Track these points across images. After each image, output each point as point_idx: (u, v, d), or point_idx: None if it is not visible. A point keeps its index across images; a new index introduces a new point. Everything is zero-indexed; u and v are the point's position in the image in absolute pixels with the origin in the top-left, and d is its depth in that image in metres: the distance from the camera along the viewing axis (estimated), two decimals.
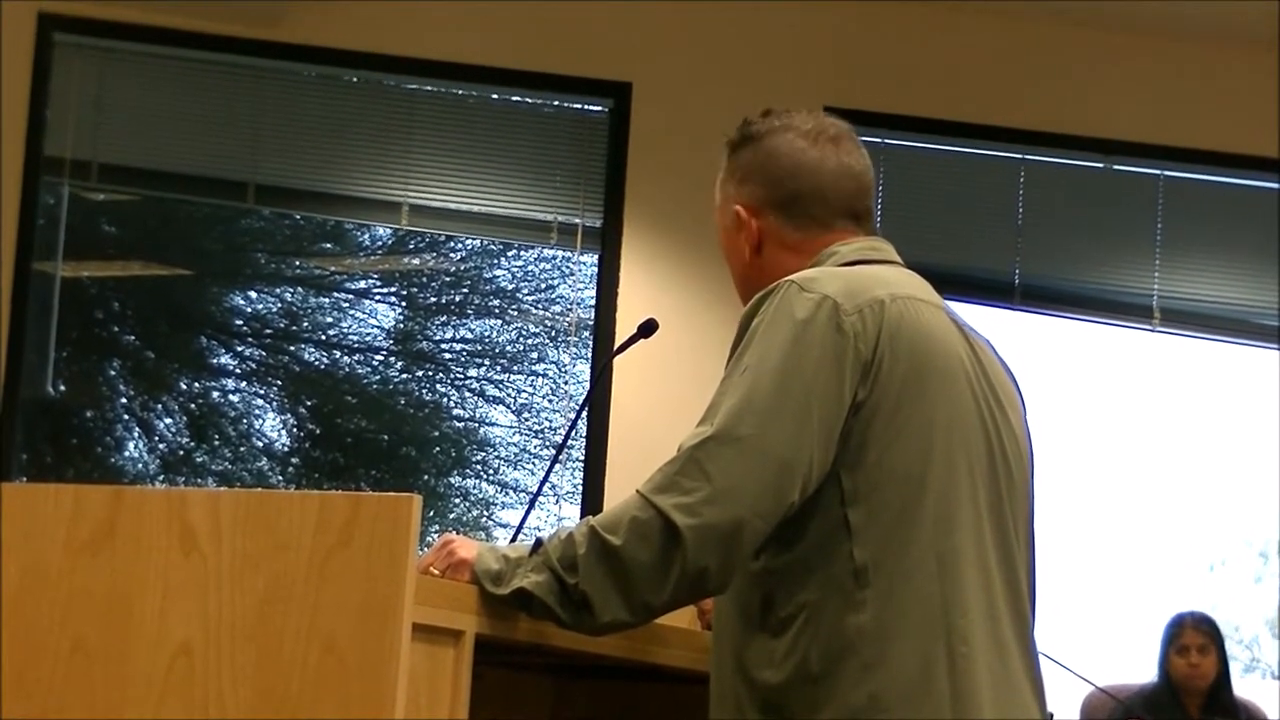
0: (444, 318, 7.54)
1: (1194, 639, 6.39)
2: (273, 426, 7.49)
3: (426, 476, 7.47)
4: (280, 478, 7.44)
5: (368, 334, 7.52)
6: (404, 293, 7.57)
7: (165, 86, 6.71)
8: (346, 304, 7.51)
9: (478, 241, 7.33)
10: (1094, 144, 6.98)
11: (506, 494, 7.54)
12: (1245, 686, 6.80)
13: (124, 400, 7.41)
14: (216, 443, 7.44)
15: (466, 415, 7.54)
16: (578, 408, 7.16)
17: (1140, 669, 6.77)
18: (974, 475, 2.47)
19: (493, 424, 7.50)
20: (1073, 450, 7.70)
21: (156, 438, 7.40)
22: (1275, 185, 7.00)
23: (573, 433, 6.61)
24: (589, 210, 6.80)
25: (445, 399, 7.54)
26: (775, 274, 2.57)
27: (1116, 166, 7.05)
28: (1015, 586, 2.52)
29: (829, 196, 2.67)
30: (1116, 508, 8.29)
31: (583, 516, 2.38)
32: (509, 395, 7.42)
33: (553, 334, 7.31)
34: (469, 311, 7.49)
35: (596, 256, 6.79)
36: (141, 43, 6.62)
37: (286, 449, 7.50)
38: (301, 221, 7.45)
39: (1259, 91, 6.89)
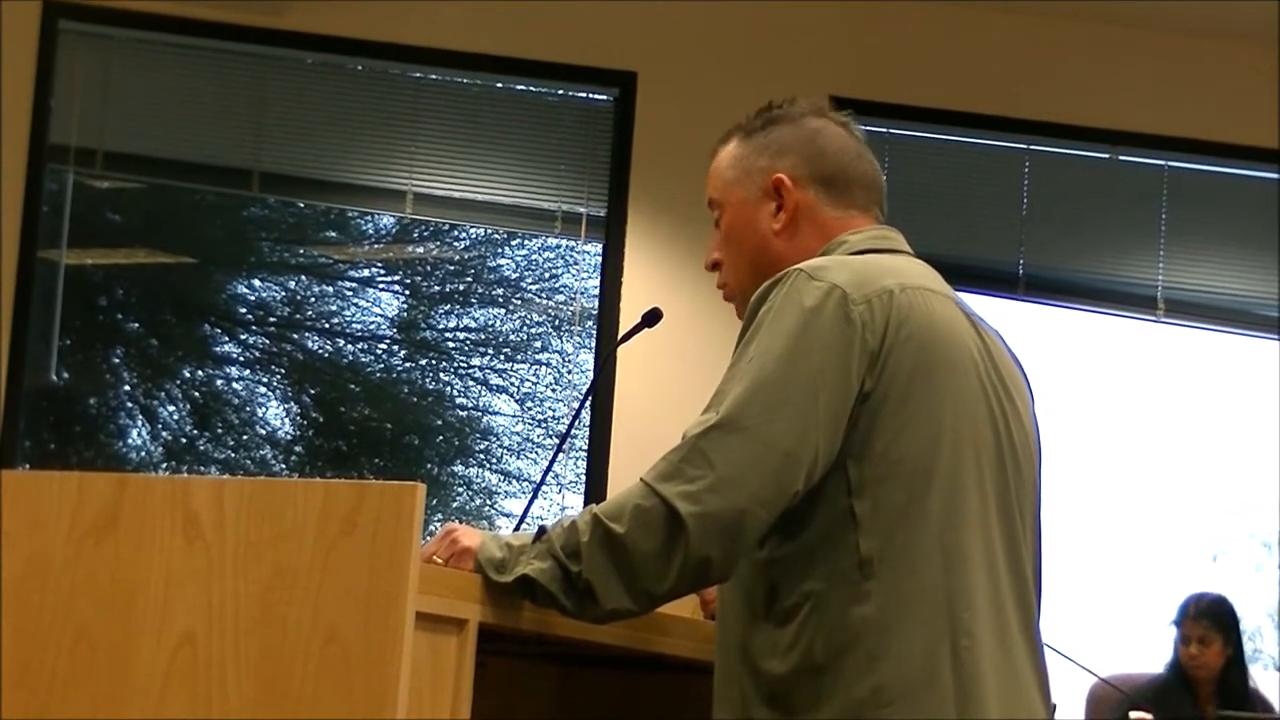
0: (448, 306, 7.53)
1: (1194, 630, 6.37)
2: (276, 414, 7.50)
3: (430, 465, 7.47)
4: (283, 466, 7.44)
5: (371, 322, 7.52)
6: (408, 281, 7.57)
7: (170, 74, 6.72)
8: (350, 292, 7.51)
9: (482, 230, 7.33)
10: (1099, 135, 6.98)
11: (510, 483, 7.54)
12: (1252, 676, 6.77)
13: (127, 388, 7.42)
14: (220, 430, 7.44)
15: (470, 404, 7.55)
16: (581, 397, 7.15)
17: (1143, 659, 6.76)
18: (981, 467, 2.47)
19: (496, 413, 7.50)
20: (1076, 440, 7.70)
21: (160, 425, 7.40)
22: (1277, 176, 7.00)
23: (576, 422, 6.61)
24: (593, 199, 6.80)
25: (449, 388, 7.54)
26: (795, 257, 2.57)
27: (1121, 157, 7.04)
28: (1021, 578, 2.51)
29: (868, 184, 2.69)
30: (1119, 498, 8.29)
31: (586, 505, 2.38)
32: (512, 384, 7.42)
33: (556, 323, 7.31)
34: (473, 300, 7.49)
35: (600, 246, 6.79)
36: (146, 30, 6.63)
37: (290, 437, 7.51)
38: (305, 210, 7.44)
39: (1261, 84, 6.89)
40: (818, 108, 2.73)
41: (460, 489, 7.59)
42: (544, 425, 7.38)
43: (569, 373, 7.22)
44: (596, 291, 6.81)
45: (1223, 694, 6.32)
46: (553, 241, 7.21)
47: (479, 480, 7.60)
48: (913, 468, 2.39)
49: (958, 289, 2.63)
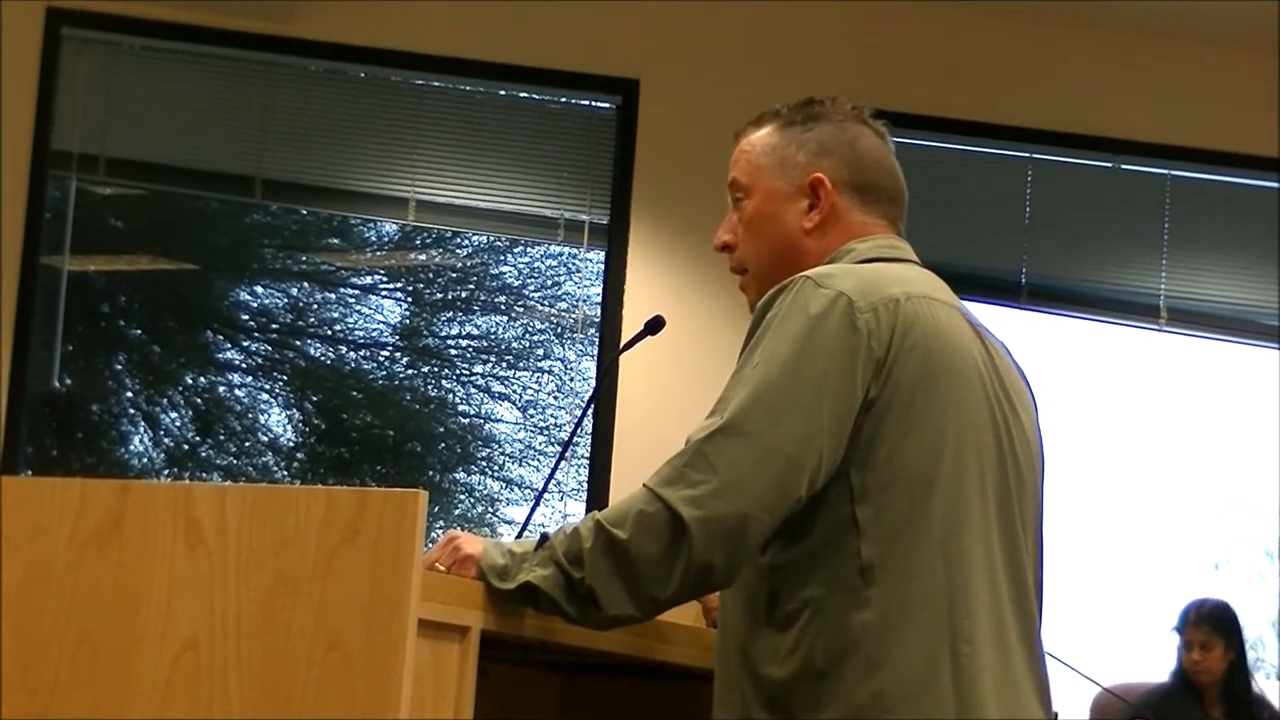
0: (450, 314, 7.53)
1: (1195, 635, 6.39)
2: (278, 421, 7.49)
3: (432, 472, 7.46)
4: (285, 473, 7.44)
5: (374, 330, 7.52)
6: (410, 288, 7.57)
7: (172, 81, 6.72)
8: (352, 299, 7.51)
9: (484, 238, 7.33)
10: (1102, 143, 6.97)
11: (512, 490, 7.54)
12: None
13: (130, 394, 7.41)
14: (222, 437, 7.44)
15: (472, 411, 7.54)
16: (584, 404, 7.15)
17: (1145, 668, 6.75)
18: (984, 475, 2.47)
19: (498, 420, 7.49)
20: (1079, 449, 7.69)
21: (162, 432, 7.40)
22: (1278, 186, 6.99)
23: (578, 429, 6.61)
24: (596, 207, 6.80)
25: (451, 395, 7.54)
26: (819, 257, 2.58)
27: (1124, 166, 7.04)
28: (1022, 587, 2.51)
29: (896, 198, 2.69)
30: (1121, 506, 8.29)
31: (588, 513, 2.38)
32: (515, 392, 7.42)
33: (559, 331, 7.31)
34: (475, 308, 7.49)
35: (603, 253, 6.79)
36: (148, 37, 6.63)
37: (292, 444, 7.50)
38: (308, 217, 7.45)
39: (1264, 93, 6.89)
40: (859, 113, 2.73)
41: (462, 496, 7.59)
42: (546, 433, 7.38)
43: (571, 380, 7.22)
44: (599, 299, 6.81)
45: (1227, 698, 6.33)
46: (555, 249, 7.21)
47: (481, 487, 7.60)
48: (915, 475, 2.39)
49: (960, 298, 2.63)
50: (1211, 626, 6.40)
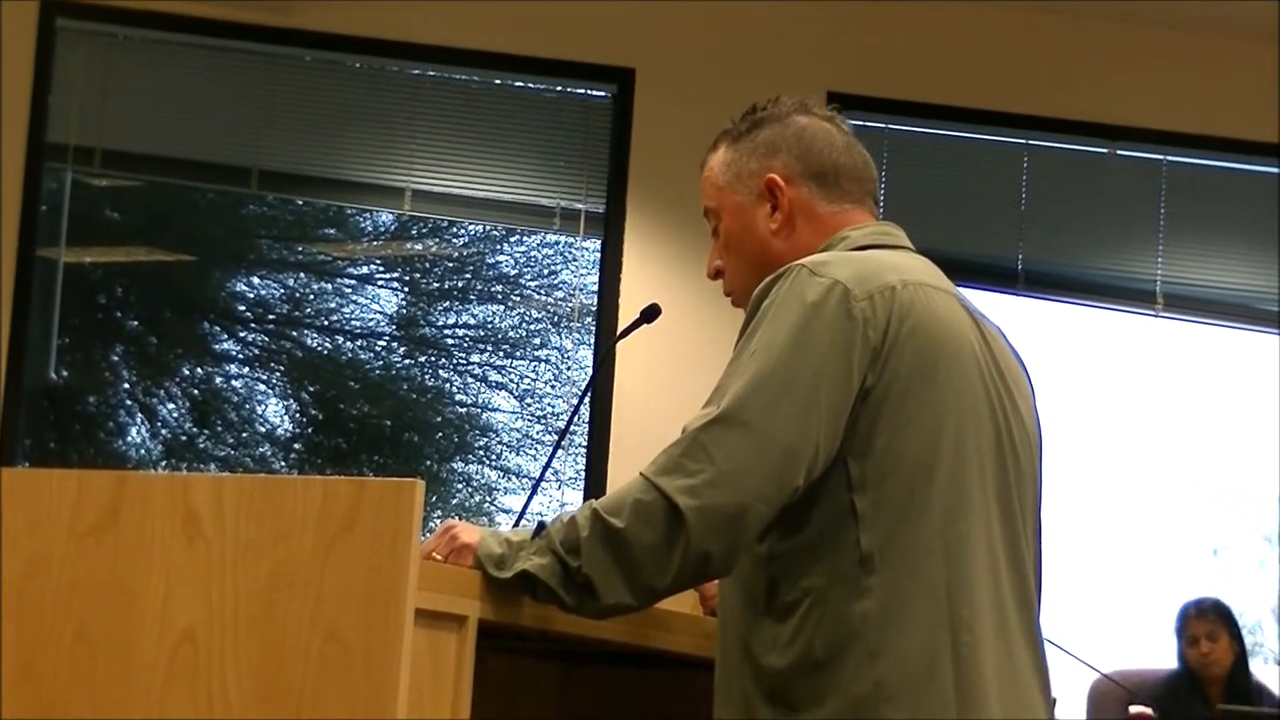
0: (447, 303, 7.53)
1: (1200, 628, 6.39)
2: (275, 412, 7.50)
3: (429, 462, 7.46)
4: (283, 463, 7.44)
5: (370, 319, 7.52)
6: (407, 278, 7.57)
7: (168, 72, 6.71)
8: (349, 289, 7.51)
9: (480, 227, 7.33)
10: (1097, 129, 6.97)
11: (509, 479, 7.54)
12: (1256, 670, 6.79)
13: (127, 386, 7.41)
14: (219, 428, 7.44)
15: (469, 401, 7.54)
16: (580, 393, 7.14)
17: (1144, 655, 6.76)
18: (982, 463, 2.47)
19: (495, 409, 7.50)
20: (1076, 436, 7.70)
21: (159, 423, 7.40)
22: (1276, 170, 6.99)
23: (575, 418, 6.61)
24: (592, 196, 6.80)
25: (448, 384, 7.54)
26: (794, 255, 2.57)
27: (1120, 152, 7.04)
28: (1021, 574, 2.51)
29: (859, 175, 2.68)
30: (1119, 493, 8.29)
31: (585, 501, 2.38)
32: (512, 381, 7.42)
33: (555, 319, 7.31)
34: (472, 297, 7.49)
35: (599, 242, 6.79)
36: (143, 28, 6.62)
37: (289, 434, 7.50)
38: (304, 207, 7.44)
39: (1260, 79, 6.89)
40: (802, 105, 2.73)
41: (460, 485, 7.59)
42: (543, 421, 7.38)
43: (568, 369, 7.23)
44: (595, 287, 6.81)
45: (1230, 693, 6.33)
46: (551, 238, 7.21)
47: (478, 477, 7.60)
48: (914, 464, 2.39)
49: (956, 284, 2.63)
50: (1215, 616, 6.41)
